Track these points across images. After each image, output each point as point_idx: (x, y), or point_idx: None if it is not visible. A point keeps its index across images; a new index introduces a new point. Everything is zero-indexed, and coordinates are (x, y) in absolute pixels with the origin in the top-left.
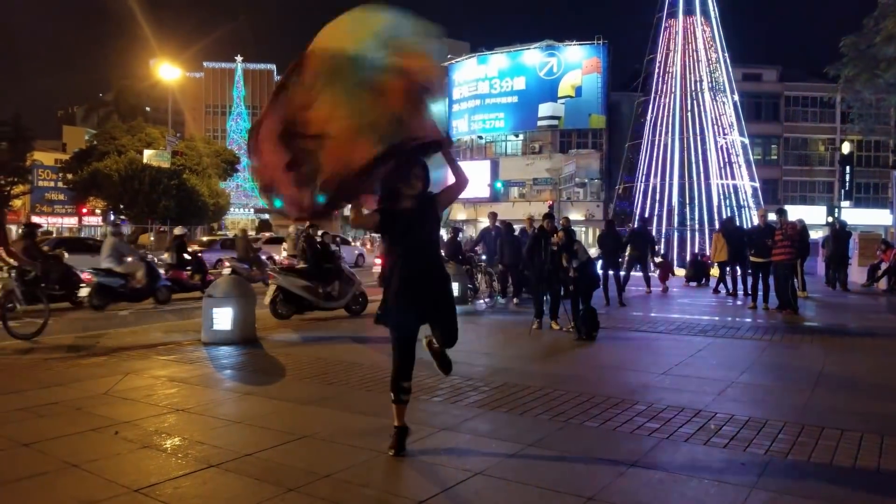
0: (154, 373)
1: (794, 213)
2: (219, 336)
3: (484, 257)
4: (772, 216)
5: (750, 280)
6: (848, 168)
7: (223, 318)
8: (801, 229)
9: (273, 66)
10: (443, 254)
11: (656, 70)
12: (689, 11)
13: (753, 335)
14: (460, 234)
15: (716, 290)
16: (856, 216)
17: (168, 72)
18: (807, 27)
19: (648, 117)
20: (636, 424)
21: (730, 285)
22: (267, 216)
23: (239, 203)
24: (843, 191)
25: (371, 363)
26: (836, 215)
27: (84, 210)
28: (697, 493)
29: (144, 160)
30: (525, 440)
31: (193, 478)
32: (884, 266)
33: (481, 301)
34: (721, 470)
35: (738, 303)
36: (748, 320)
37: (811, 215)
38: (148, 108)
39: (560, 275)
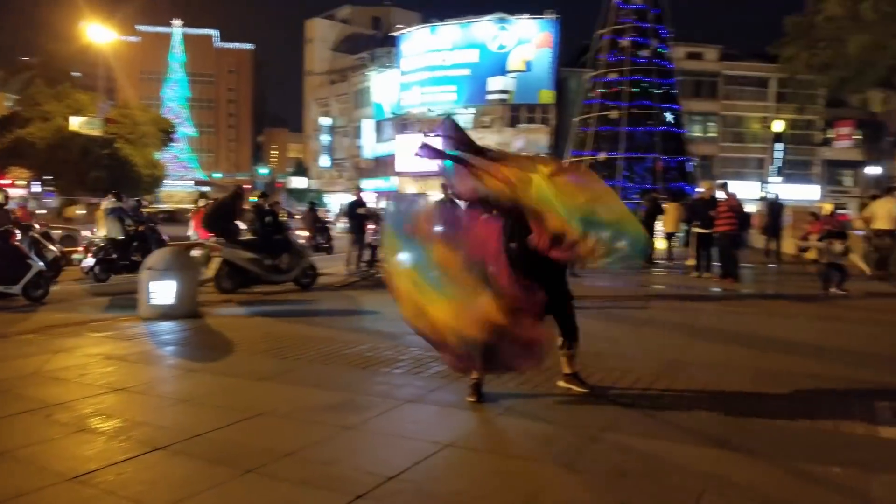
0: (88, 350)
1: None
2: (158, 311)
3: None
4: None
5: None
6: (779, 145)
7: (163, 291)
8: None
9: (216, 32)
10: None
11: (606, 45)
12: None
13: (701, 302)
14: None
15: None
16: (786, 191)
17: (99, 34)
18: (747, 7)
19: (597, 93)
20: (600, 391)
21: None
22: (207, 189)
23: (176, 174)
24: (774, 167)
25: (326, 336)
26: (767, 190)
27: (6, 181)
28: (671, 456)
29: (73, 128)
30: (493, 410)
31: (137, 462)
32: (812, 237)
33: None
34: (690, 433)
35: (680, 272)
36: (694, 289)
37: (745, 190)
38: (77, 73)
39: None
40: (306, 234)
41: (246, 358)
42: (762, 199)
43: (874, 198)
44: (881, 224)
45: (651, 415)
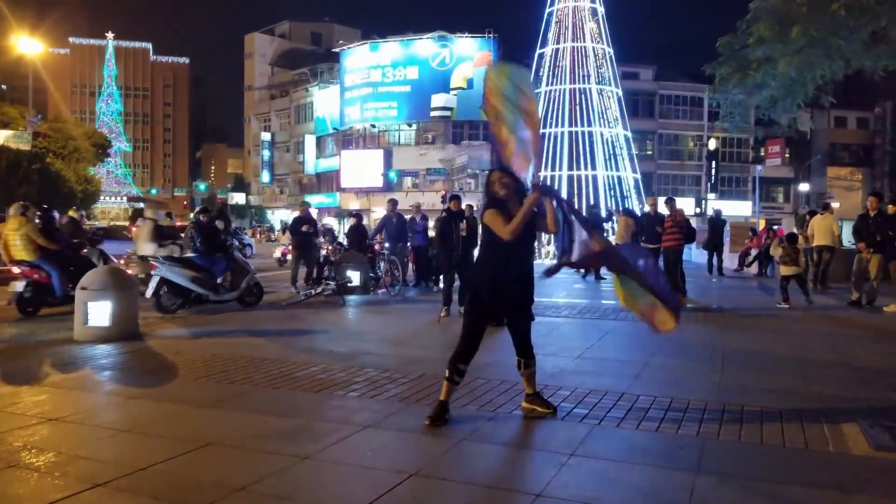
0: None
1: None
2: (95, 333)
3: (387, 245)
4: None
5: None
6: (714, 163)
7: (100, 312)
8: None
9: (149, 45)
10: (345, 242)
11: (547, 64)
12: (577, 8)
13: None
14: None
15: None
16: (720, 207)
17: (28, 45)
18: (679, 30)
19: (540, 109)
20: (564, 411)
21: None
22: (141, 205)
23: (110, 191)
24: (709, 184)
25: (275, 358)
26: (703, 206)
27: None
28: (645, 481)
29: (1, 142)
30: (457, 434)
31: (75, 501)
32: (753, 252)
33: (383, 290)
34: (660, 455)
35: None
36: None
37: (681, 206)
38: (4, 86)
39: (469, 261)
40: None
41: (190, 383)
42: (698, 214)
43: (812, 214)
44: (820, 240)
45: (619, 435)
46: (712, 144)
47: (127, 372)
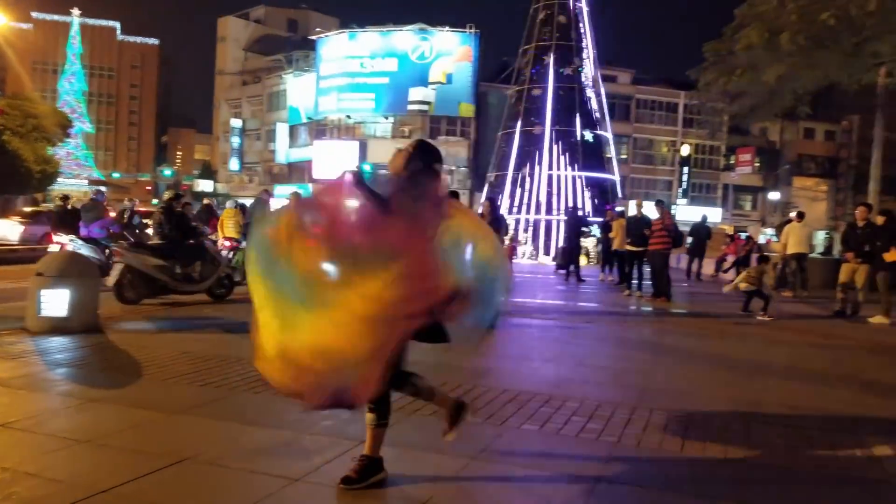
0: None
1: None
2: (50, 324)
3: None
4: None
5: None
6: (686, 168)
7: (56, 301)
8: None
9: (117, 24)
10: None
11: (530, 62)
12: (563, 6)
13: (642, 321)
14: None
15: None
16: (690, 213)
17: None
18: (658, 35)
19: (521, 108)
20: (577, 425)
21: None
22: (103, 188)
23: (70, 172)
24: (680, 189)
25: (251, 357)
26: (673, 212)
27: None
28: None
29: None
30: (466, 452)
31: None
32: (730, 258)
33: None
34: (698, 481)
35: (607, 290)
36: (630, 307)
37: (653, 211)
38: None
39: None
40: None
41: (158, 384)
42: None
43: (787, 223)
44: (798, 248)
45: (643, 455)
46: (685, 150)
47: (86, 369)
